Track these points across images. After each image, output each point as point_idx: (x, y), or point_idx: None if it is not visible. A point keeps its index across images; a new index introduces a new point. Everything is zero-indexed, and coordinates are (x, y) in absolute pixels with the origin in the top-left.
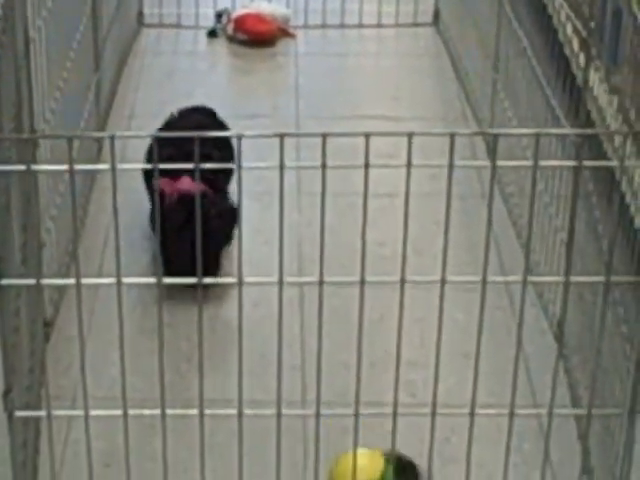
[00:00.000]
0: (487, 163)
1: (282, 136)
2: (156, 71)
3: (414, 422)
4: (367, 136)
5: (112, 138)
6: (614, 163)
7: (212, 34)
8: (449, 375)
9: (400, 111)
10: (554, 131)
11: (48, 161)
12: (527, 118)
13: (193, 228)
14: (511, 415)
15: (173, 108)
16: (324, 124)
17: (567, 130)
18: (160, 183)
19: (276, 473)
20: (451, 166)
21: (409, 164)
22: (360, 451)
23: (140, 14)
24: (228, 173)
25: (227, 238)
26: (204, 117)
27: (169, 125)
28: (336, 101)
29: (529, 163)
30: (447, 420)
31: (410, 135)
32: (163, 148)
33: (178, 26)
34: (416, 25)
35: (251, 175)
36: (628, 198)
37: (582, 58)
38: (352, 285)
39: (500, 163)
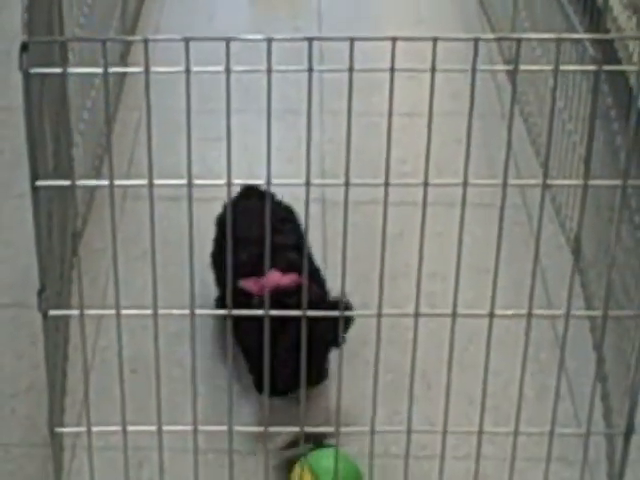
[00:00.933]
0: (510, 67)
1: (310, 40)
2: None
3: (434, 332)
4: (394, 40)
5: (145, 42)
6: (633, 67)
7: None
8: (468, 288)
9: (423, 34)
10: (574, 36)
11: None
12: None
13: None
14: (529, 316)
15: (196, 30)
16: (345, 46)
17: (586, 35)
18: (244, 284)
19: None
20: (474, 70)
21: (433, 69)
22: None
23: None
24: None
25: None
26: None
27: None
28: (358, 25)
29: (550, 67)
30: (465, 329)
31: (435, 40)
32: (242, 250)
33: None
34: None
35: (275, 94)
36: None
37: None
38: (373, 203)
39: (523, 67)
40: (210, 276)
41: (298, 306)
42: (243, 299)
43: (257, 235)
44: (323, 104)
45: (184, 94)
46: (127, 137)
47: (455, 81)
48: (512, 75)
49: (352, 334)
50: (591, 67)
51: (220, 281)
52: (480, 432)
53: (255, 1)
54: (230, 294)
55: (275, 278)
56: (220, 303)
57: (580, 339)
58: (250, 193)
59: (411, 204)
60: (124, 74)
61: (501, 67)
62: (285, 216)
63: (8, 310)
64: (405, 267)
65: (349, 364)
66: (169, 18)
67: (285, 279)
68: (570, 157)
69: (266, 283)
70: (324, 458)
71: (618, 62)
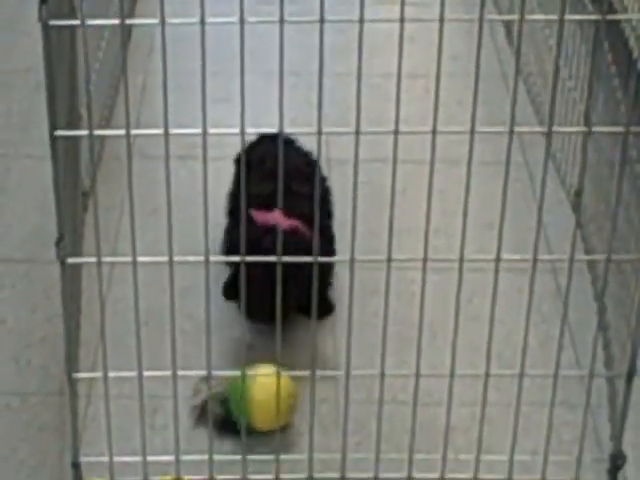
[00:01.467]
0: (515, 17)
1: (322, 22)
2: None
3: (439, 285)
4: None
5: None
6: (635, 15)
7: None
8: (472, 242)
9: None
10: None
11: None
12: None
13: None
14: (534, 261)
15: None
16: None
17: None
18: (252, 213)
19: None
20: (481, 20)
21: (442, 19)
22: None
23: None
24: (327, 211)
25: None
26: (293, 153)
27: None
28: None
29: (556, 17)
30: (469, 283)
31: None
32: (260, 184)
33: None
34: None
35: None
36: None
37: None
38: (377, 161)
39: (529, 17)
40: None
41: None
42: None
43: (273, 173)
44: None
45: (189, 55)
46: (133, 100)
47: (455, 43)
48: (519, 24)
49: (359, 286)
50: (594, 16)
51: (232, 213)
52: (487, 374)
53: None
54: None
55: (276, 217)
56: (229, 234)
57: (581, 291)
58: (266, 140)
59: (414, 162)
60: (129, 33)
61: (509, 16)
62: (306, 163)
63: (22, 265)
64: (410, 223)
65: (357, 314)
66: None
67: (285, 222)
68: (570, 115)
69: (264, 219)
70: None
71: (617, 25)
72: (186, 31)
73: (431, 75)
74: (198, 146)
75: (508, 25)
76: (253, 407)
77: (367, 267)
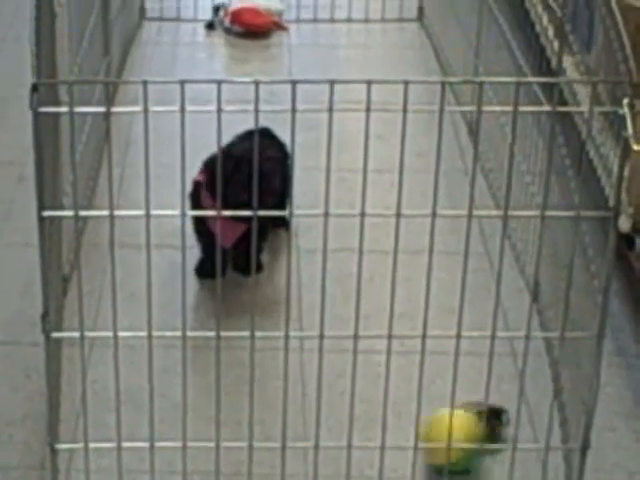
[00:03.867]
0: (473, 108)
1: (294, 83)
2: (158, 60)
3: (403, 368)
4: (369, 83)
5: (145, 83)
6: (583, 108)
7: (210, 26)
8: (434, 327)
9: (387, 96)
10: (532, 79)
11: None
12: (507, 99)
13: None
14: (493, 338)
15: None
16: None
17: (542, 79)
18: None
19: None
20: (442, 110)
21: (405, 110)
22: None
23: (142, 8)
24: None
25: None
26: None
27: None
28: (326, 89)
29: (510, 108)
30: (432, 364)
31: (406, 83)
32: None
33: (178, 19)
34: (402, 20)
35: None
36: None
37: (556, 44)
38: (345, 250)
39: (486, 108)
40: None
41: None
42: None
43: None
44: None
45: (165, 148)
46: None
47: (420, 141)
48: (477, 115)
49: (327, 368)
50: (546, 108)
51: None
52: (449, 448)
53: (231, 67)
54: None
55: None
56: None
57: (540, 373)
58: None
59: (380, 252)
60: (108, 125)
61: (467, 108)
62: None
63: (3, 347)
64: (376, 308)
65: (325, 394)
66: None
67: None
68: (529, 207)
69: None
70: None
71: (572, 121)
72: (163, 126)
73: (397, 170)
74: (171, 236)
75: (470, 124)
76: None
77: (335, 349)
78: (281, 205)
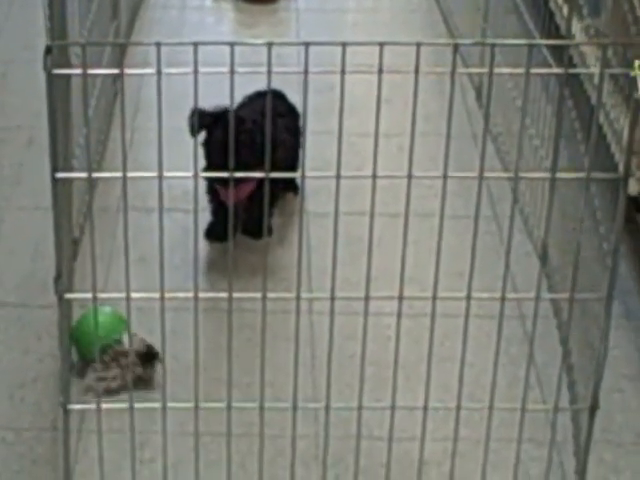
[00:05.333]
0: (484, 70)
1: (307, 45)
2: (166, 24)
3: (412, 330)
4: (381, 45)
5: (158, 45)
6: (594, 70)
7: None
8: (443, 289)
9: (396, 59)
10: (544, 41)
11: None
12: (515, 64)
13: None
14: (502, 299)
15: (184, 58)
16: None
17: (556, 42)
18: None
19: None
20: (453, 73)
21: (417, 71)
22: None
23: None
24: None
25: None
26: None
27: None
28: (336, 52)
29: (521, 71)
30: (441, 326)
31: (418, 45)
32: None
33: None
34: None
35: None
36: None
37: (566, 8)
38: (355, 214)
39: (497, 70)
40: None
41: None
42: None
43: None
44: None
45: (176, 112)
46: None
47: (428, 104)
48: (489, 78)
49: (337, 330)
50: (558, 70)
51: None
52: (458, 407)
53: (239, 32)
54: None
55: None
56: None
57: (548, 335)
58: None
59: (388, 215)
60: (121, 87)
61: (478, 70)
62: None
63: (15, 309)
64: (385, 271)
65: (335, 357)
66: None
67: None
68: (537, 170)
69: None
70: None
71: (581, 85)
72: (173, 88)
73: (405, 134)
74: (181, 199)
75: (478, 88)
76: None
77: (344, 312)
78: (291, 168)
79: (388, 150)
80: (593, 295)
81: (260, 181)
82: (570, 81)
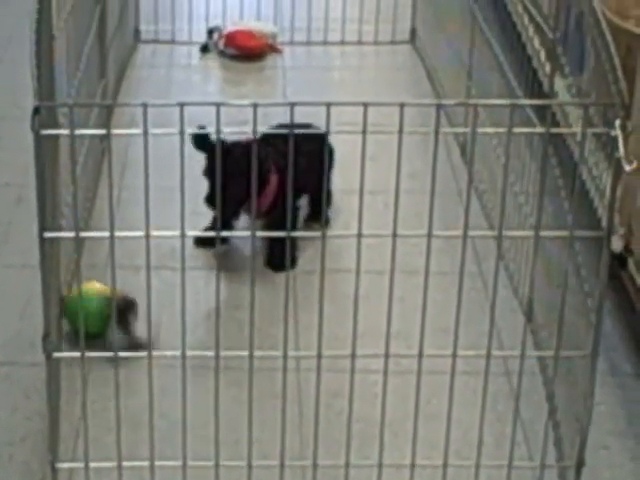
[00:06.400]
0: (467, 130)
1: (292, 105)
2: (153, 83)
3: (399, 388)
4: (365, 105)
5: (144, 106)
6: (576, 130)
7: (205, 49)
8: (429, 346)
9: (381, 118)
10: (526, 102)
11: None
12: (499, 120)
13: None
14: (488, 357)
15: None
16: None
17: (539, 101)
18: None
19: None
20: (437, 133)
21: (401, 131)
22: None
23: (137, 31)
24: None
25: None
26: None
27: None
28: (321, 110)
29: (504, 130)
30: (428, 384)
31: (402, 105)
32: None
33: (172, 42)
34: (394, 42)
35: None
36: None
37: (548, 66)
38: (342, 272)
39: (481, 130)
40: None
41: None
42: None
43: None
44: None
45: (161, 172)
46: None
47: (413, 162)
48: (471, 136)
49: (324, 388)
50: (540, 130)
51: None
52: (445, 465)
53: (225, 90)
54: None
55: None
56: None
57: (534, 392)
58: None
59: (375, 273)
60: (108, 147)
61: (462, 129)
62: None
63: (3, 367)
64: (372, 327)
65: (322, 414)
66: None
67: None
68: (522, 227)
69: None
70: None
71: (564, 142)
72: (160, 147)
73: (390, 191)
74: (169, 257)
75: (463, 145)
76: None
77: (331, 369)
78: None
79: (374, 207)
80: (578, 352)
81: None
82: (553, 138)
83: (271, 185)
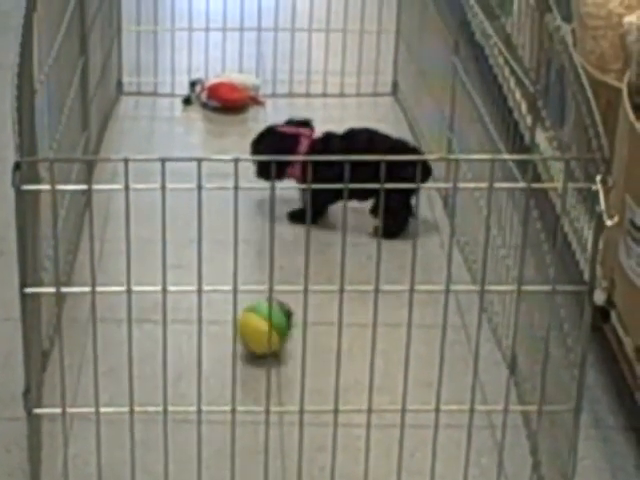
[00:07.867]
0: (449, 185)
1: (276, 162)
2: (135, 135)
3: (382, 442)
4: (347, 162)
5: (126, 161)
6: (557, 185)
7: (187, 102)
8: (412, 400)
9: None
10: (507, 157)
11: None
12: (481, 173)
13: None
14: (471, 411)
15: (152, 167)
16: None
17: (516, 156)
18: None
19: None
20: (418, 188)
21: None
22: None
23: (119, 83)
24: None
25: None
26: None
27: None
28: None
29: (485, 185)
30: (411, 438)
31: (384, 161)
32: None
33: (155, 94)
34: (376, 95)
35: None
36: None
37: (529, 119)
38: (327, 324)
39: (461, 185)
40: None
41: None
42: None
43: None
44: None
45: (144, 224)
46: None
47: None
48: (453, 191)
49: (307, 441)
50: (521, 184)
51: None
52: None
53: (208, 142)
54: None
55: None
56: None
57: (517, 446)
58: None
59: (357, 326)
60: (89, 202)
61: (444, 184)
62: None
63: None
64: (354, 380)
65: (305, 469)
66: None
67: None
68: (504, 281)
69: None
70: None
71: (545, 196)
72: (142, 201)
73: (372, 244)
74: (152, 310)
75: (445, 198)
76: None
77: (314, 423)
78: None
79: (358, 259)
80: (562, 407)
81: None
82: (535, 192)
83: None
